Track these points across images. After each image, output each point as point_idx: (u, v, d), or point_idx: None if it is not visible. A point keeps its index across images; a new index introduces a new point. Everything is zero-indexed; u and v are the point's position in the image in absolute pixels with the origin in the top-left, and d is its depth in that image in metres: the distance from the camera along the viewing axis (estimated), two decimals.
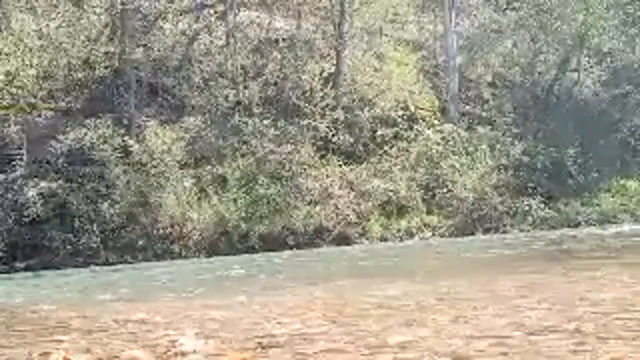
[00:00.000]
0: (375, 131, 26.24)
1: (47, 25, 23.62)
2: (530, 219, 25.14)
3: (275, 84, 26.39)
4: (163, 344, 5.33)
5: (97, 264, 19.70)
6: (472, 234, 23.95)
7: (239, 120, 24.23)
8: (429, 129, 26.74)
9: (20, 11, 24.46)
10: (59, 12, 24.83)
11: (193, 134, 23.22)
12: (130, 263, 19.95)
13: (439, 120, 27.38)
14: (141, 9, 25.17)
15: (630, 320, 5.11)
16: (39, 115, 22.05)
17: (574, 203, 26.39)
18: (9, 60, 22.25)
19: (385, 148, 25.98)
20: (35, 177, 20.71)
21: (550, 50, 30.62)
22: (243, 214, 22.10)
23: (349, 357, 4.45)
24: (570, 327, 4.93)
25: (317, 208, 23.14)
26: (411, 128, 26.58)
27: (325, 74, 26.30)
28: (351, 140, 25.27)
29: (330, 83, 26.00)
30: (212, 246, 21.42)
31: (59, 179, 20.88)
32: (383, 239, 23.29)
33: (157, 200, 21.40)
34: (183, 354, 4.96)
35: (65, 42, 23.27)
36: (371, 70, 27.38)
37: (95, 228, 20.41)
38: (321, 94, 25.48)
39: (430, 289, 9.04)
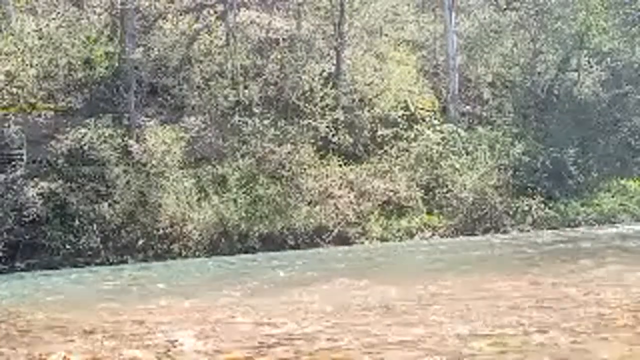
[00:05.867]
0: (375, 131, 26.23)
1: (47, 25, 23.59)
2: (530, 218, 25.13)
3: (275, 84, 26.36)
4: (163, 344, 5.33)
5: (97, 264, 19.70)
6: (472, 234, 23.94)
7: (239, 120, 24.22)
8: (429, 129, 26.73)
9: (21, 11, 24.46)
10: (59, 12, 24.82)
11: (193, 134, 23.20)
12: (130, 263, 19.94)
13: (439, 120, 27.36)
14: (141, 9, 25.16)
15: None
16: (39, 115, 22.02)
17: (574, 203, 26.39)
18: (9, 60, 22.24)
19: (385, 148, 25.97)
20: (35, 177, 20.69)
21: (550, 50, 30.61)
22: (243, 214, 22.08)
23: (349, 356, 4.45)
24: (567, 326, 4.93)
25: (317, 208, 23.13)
26: (411, 128, 26.58)
27: (325, 74, 26.29)
28: (351, 140, 25.27)
29: (330, 83, 25.99)
30: (212, 246, 21.42)
31: (59, 179, 20.87)
32: (383, 239, 23.27)
33: (157, 200, 21.38)
34: (183, 354, 4.97)
35: (65, 42, 23.26)
36: (371, 70, 27.36)
37: (95, 228, 20.40)
38: (321, 94, 25.47)
39: (428, 289, 9.04)
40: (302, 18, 28.16)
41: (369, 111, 26.14)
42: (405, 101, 27.21)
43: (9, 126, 21.14)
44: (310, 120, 24.89)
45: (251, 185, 23.01)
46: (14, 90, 21.92)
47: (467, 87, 30.59)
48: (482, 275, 11.02)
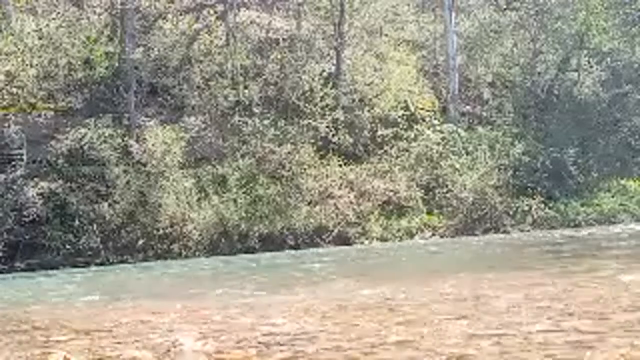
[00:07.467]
0: (375, 131, 26.24)
1: (47, 25, 23.60)
2: (530, 219, 25.13)
3: (275, 84, 26.38)
4: (163, 344, 5.33)
5: (97, 264, 19.70)
6: (472, 234, 23.94)
7: (239, 120, 24.23)
8: (429, 129, 26.74)
9: (21, 11, 24.46)
10: (59, 12, 24.82)
11: (193, 134, 23.22)
12: (130, 263, 19.95)
13: (439, 120, 27.38)
14: (141, 9, 25.16)
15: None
16: (39, 115, 22.03)
17: (574, 203, 26.39)
18: (9, 60, 22.24)
19: (385, 148, 25.98)
20: (35, 177, 20.70)
21: (550, 50, 30.61)
22: (243, 214, 22.09)
23: (349, 357, 4.45)
24: (567, 326, 4.93)
25: (317, 208, 23.13)
26: (411, 128, 26.59)
27: (325, 74, 26.30)
28: (351, 140, 25.27)
29: (330, 83, 26.00)
30: (212, 246, 21.42)
31: (59, 179, 20.88)
32: (383, 239, 23.27)
33: (157, 200, 21.38)
34: (183, 354, 4.97)
35: (65, 42, 23.27)
36: (371, 70, 27.38)
37: (95, 228, 20.40)
38: (321, 94, 25.48)
39: (429, 288, 9.04)
40: (302, 18, 28.18)
41: (369, 111, 26.16)
42: (405, 101, 27.22)
43: (9, 126, 21.15)
44: (310, 120, 24.90)
45: (251, 185, 23.01)
46: (14, 90, 21.93)
47: (467, 87, 30.60)
48: (482, 275, 11.01)
